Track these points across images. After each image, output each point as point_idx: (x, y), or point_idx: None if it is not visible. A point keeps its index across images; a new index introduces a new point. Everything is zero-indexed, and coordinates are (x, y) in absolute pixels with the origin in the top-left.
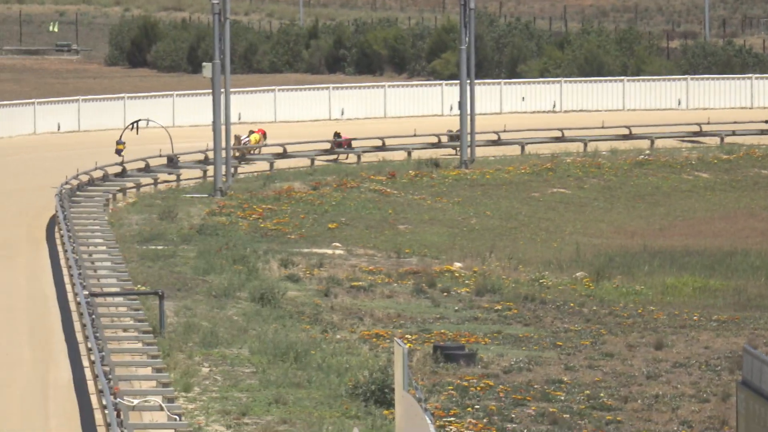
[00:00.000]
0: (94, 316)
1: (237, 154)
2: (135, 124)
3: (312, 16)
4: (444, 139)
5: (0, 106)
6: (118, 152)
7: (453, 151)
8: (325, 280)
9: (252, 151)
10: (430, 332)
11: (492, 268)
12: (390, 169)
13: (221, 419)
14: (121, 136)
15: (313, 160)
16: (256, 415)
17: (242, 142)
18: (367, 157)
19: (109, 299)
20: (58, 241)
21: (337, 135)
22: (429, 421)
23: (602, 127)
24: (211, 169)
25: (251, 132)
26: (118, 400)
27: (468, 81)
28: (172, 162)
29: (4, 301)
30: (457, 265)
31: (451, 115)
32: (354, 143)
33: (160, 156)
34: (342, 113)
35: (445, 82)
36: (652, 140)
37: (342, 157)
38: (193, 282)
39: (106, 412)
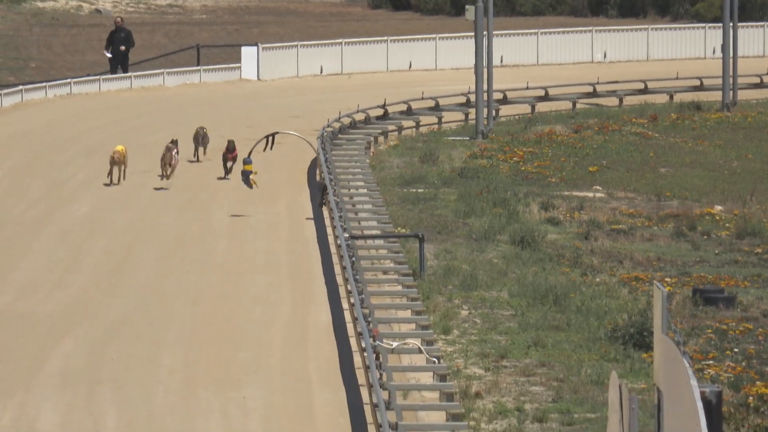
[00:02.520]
0: (354, 259)
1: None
2: (272, 138)
3: None
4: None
5: (264, 49)
6: (246, 176)
7: (716, 94)
8: (585, 223)
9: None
10: (690, 275)
11: (753, 212)
12: (652, 112)
13: (480, 362)
14: (250, 153)
15: (574, 103)
16: (515, 358)
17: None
18: (628, 100)
19: (369, 242)
20: None
21: (230, 143)
22: (687, 364)
23: None
24: (472, 112)
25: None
26: (377, 342)
27: (731, 24)
28: None
29: (265, 244)
30: (718, 208)
31: (713, 58)
32: (615, 86)
33: (422, 99)
34: (604, 56)
35: (708, 24)
36: None
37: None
38: (454, 225)
39: (365, 354)
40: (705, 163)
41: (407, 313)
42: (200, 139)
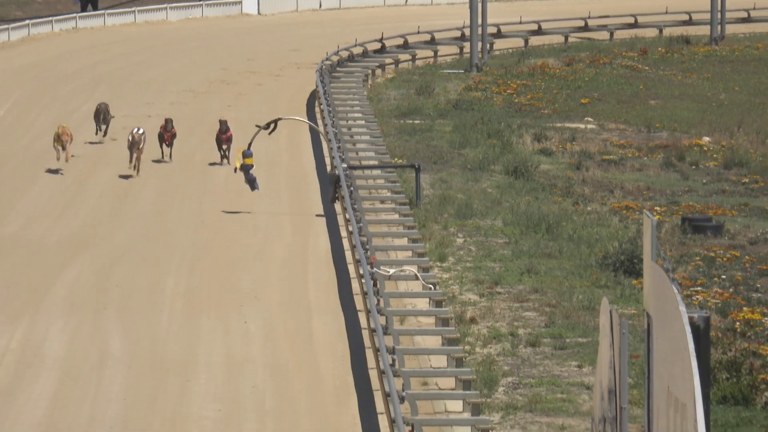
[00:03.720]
0: (352, 188)
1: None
2: (274, 124)
3: None
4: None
5: None
6: (247, 171)
7: (704, 29)
8: (577, 154)
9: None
10: (679, 204)
11: (740, 142)
12: (642, 45)
13: (474, 288)
14: (250, 144)
15: (566, 37)
16: (509, 285)
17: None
18: (619, 34)
19: (367, 172)
20: (318, 116)
21: (222, 124)
22: (676, 291)
23: None
24: (467, 45)
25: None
26: (375, 269)
27: None
28: None
29: (266, 175)
30: (706, 139)
31: None
32: (606, 21)
33: (418, 33)
34: None
35: None
36: None
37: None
38: (449, 155)
39: (363, 281)
40: (693, 96)
41: (404, 241)
42: (101, 116)
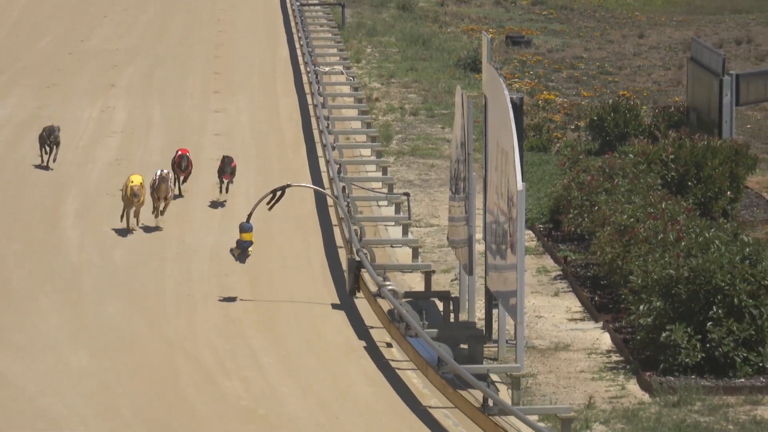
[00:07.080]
0: (302, 17)
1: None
2: (281, 193)
3: None
4: None
5: None
6: (244, 249)
7: None
8: None
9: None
10: (504, 27)
11: None
12: None
13: (378, 80)
14: (250, 217)
15: None
16: (399, 78)
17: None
18: None
19: (311, 7)
20: None
21: (224, 160)
22: (502, 81)
23: None
24: None
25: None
26: (316, 68)
27: None
28: None
29: (248, 15)
30: None
31: None
32: None
33: None
34: None
35: None
36: None
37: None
38: None
39: (310, 75)
40: None
41: (334, 50)
42: (50, 138)
